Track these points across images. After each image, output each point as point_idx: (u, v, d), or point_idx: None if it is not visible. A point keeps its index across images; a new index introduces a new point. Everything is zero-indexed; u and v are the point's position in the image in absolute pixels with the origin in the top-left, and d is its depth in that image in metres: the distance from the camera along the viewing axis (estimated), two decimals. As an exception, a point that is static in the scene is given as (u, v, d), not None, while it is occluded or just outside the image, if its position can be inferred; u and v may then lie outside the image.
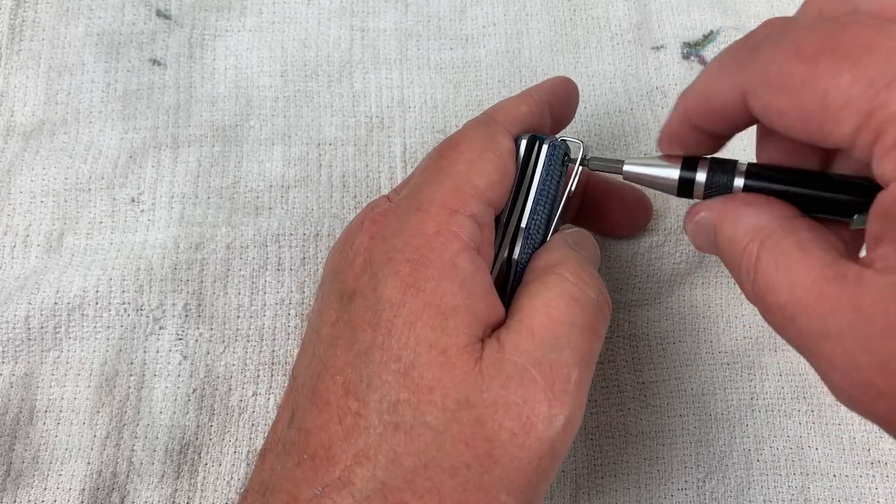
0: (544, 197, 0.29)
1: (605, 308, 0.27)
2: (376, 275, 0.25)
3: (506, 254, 0.29)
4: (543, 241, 0.30)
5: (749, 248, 0.23)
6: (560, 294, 0.25)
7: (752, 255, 0.23)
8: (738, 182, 0.26)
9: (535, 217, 0.29)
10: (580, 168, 0.30)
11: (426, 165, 0.28)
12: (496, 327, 0.25)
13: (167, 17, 0.41)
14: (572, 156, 0.30)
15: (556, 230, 0.30)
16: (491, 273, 0.27)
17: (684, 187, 0.27)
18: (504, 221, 0.29)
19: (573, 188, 0.30)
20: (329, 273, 0.28)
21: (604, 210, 0.36)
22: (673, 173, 0.27)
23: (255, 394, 0.36)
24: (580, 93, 0.37)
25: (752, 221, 0.24)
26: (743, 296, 0.36)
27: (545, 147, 0.29)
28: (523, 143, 0.29)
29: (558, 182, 0.30)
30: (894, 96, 0.19)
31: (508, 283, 0.29)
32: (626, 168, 0.28)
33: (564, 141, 0.30)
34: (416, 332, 0.23)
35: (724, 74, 0.23)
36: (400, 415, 0.23)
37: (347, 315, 0.25)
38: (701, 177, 0.26)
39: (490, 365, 0.23)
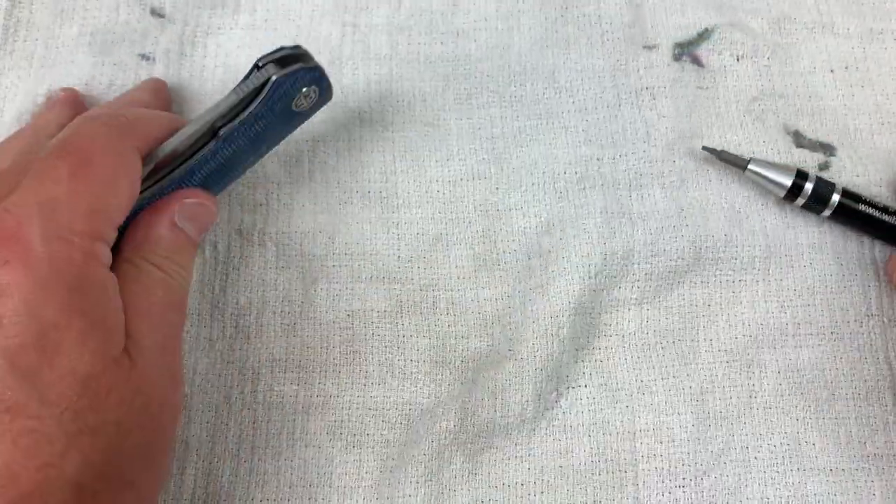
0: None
1: (188, 281, 0.33)
2: (28, 302, 0.26)
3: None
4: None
5: None
6: (153, 280, 0.31)
7: None
8: (835, 198, 0.39)
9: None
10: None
11: (56, 176, 0.28)
12: None
13: (161, 16, 0.43)
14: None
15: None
16: None
17: (792, 193, 0.39)
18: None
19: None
20: None
21: None
22: (787, 180, 0.39)
23: (254, 391, 0.36)
24: (569, 86, 0.41)
25: None
26: (742, 294, 0.39)
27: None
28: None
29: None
30: None
31: None
32: (750, 166, 0.39)
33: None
34: (88, 348, 0.26)
35: None
36: (83, 420, 0.26)
37: None
38: (808, 186, 0.39)
39: (139, 358, 0.28)
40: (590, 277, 0.39)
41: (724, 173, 0.41)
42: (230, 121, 0.33)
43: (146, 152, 0.32)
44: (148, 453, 0.29)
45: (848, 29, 0.43)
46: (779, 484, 0.37)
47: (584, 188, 0.40)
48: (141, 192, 0.31)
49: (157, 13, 0.42)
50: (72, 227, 0.27)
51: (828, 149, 0.41)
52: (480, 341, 0.38)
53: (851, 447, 0.38)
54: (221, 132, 0.33)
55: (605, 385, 0.38)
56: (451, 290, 0.39)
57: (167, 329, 0.30)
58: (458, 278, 0.39)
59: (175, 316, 0.31)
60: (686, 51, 0.43)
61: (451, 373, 0.38)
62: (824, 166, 0.41)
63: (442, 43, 0.43)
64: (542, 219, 0.40)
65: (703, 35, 0.43)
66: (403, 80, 0.42)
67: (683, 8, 0.43)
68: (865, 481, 0.37)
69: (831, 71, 0.42)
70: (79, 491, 0.26)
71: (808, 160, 0.41)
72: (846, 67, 0.43)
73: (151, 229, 0.32)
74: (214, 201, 0.34)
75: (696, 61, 0.43)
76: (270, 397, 0.37)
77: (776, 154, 0.41)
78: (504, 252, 0.39)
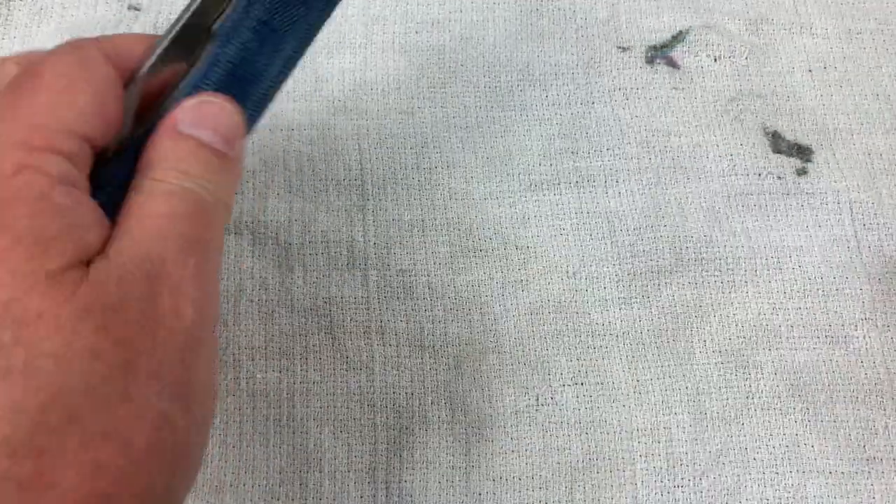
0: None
1: (216, 193, 0.27)
2: None
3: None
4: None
5: None
6: (152, 193, 0.25)
7: None
8: None
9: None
10: None
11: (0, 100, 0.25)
12: None
13: (137, 10, 0.43)
14: None
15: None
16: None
17: None
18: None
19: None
20: None
21: None
22: None
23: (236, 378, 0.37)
24: (543, 80, 0.41)
25: None
26: (732, 295, 0.39)
27: None
28: None
29: None
30: None
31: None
32: None
33: None
34: (7, 267, 0.22)
35: None
36: (6, 358, 0.21)
37: None
38: None
39: (100, 273, 0.23)
40: (569, 277, 0.39)
41: (702, 172, 0.41)
42: (222, 12, 0.27)
43: (125, 70, 0.26)
44: (121, 389, 0.22)
45: (826, 29, 0.44)
46: (778, 485, 0.36)
47: (558, 183, 0.41)
48: (143, 124, 0.27)
49: (133, 7, 0.43)
50: (5, 140, 0.23)
51: (805, 153, 0.41)
52: (458, 326, 0.38)
53: (851, 450, 0.37)
54: (215, 27, 0.27)
55: (601, 383, 0.38)
56: (428, 275, 0.39)
57: (167, 240, 0.24)
58: (435, 264, 0.39)
59: (186, 226, 0.25)
60: (660, 53, 0.43)
61: (430, 356, 0.38)
62: (801, 172, 0.41)
63: (417, 32, 0.44)
64: (518, 209, 0.40)
65: (678, 37, 0.43)
66: (378, 68, 0.42)
67: (658, 10, 0.44)
68: (865, 484, 0.36)
69: (809, 71, 0.43)
70: (8, 448, 0.21)
71: (786, 166, 0.41)
72: (824, 67, 0.43)
73: (155, 148, 0.26)
74: (229, 99, 0.27)
75: (672, 63, 0.43)
76: (253, 384, 0.37)
77: (754, 159, 0.41)
78: (480, 240, 0.40)
